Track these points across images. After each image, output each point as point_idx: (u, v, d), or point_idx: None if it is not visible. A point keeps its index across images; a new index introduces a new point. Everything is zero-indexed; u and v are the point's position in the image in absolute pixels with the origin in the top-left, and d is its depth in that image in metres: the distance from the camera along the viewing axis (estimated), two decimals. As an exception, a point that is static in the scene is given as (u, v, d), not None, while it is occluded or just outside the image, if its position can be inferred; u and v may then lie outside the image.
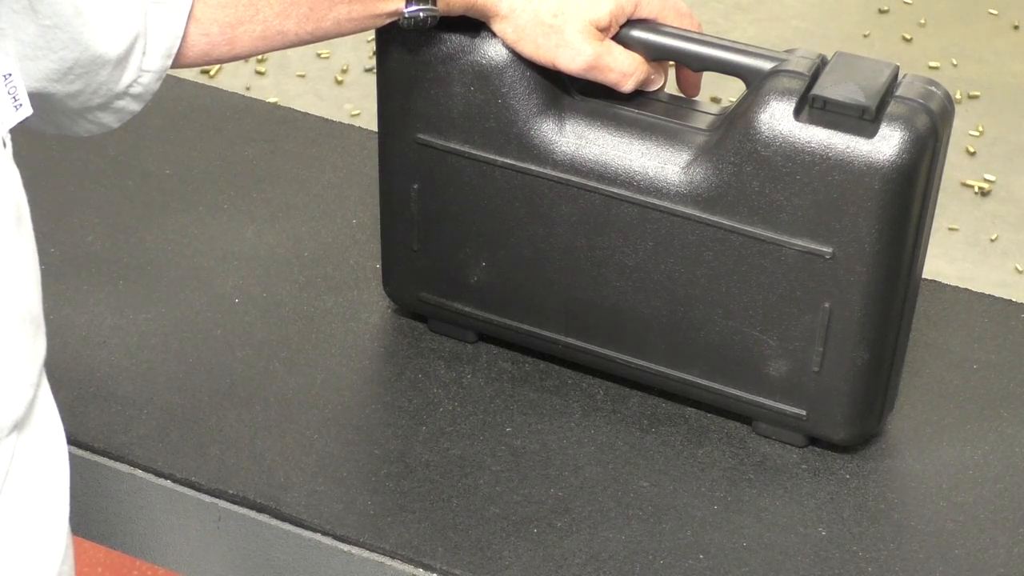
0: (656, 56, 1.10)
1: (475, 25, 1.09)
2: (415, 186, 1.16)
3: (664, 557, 1.04)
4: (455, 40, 1.09)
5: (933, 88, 1.04)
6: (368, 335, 1.22)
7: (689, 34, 1.09)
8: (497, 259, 1.16)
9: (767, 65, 1.05)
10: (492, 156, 1.12)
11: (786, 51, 1.07)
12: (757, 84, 1.05)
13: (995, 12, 3.62)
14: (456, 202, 1.15)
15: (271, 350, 1.20)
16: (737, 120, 1.04)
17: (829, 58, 1.06)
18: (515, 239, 1.14)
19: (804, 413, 1.11)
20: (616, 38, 1.09)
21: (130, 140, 1.41)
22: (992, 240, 2.87)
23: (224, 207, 1.36)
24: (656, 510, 1.07)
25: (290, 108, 1.52)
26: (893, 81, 1.04)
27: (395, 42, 1.11)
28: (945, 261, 2.80)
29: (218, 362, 1.19)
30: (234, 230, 1.33)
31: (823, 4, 3.62)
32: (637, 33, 1.09)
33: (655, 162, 1.08)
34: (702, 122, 1.09)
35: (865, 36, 3.49)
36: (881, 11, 3.59)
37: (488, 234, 1.15)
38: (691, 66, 1.10)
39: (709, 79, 1.14)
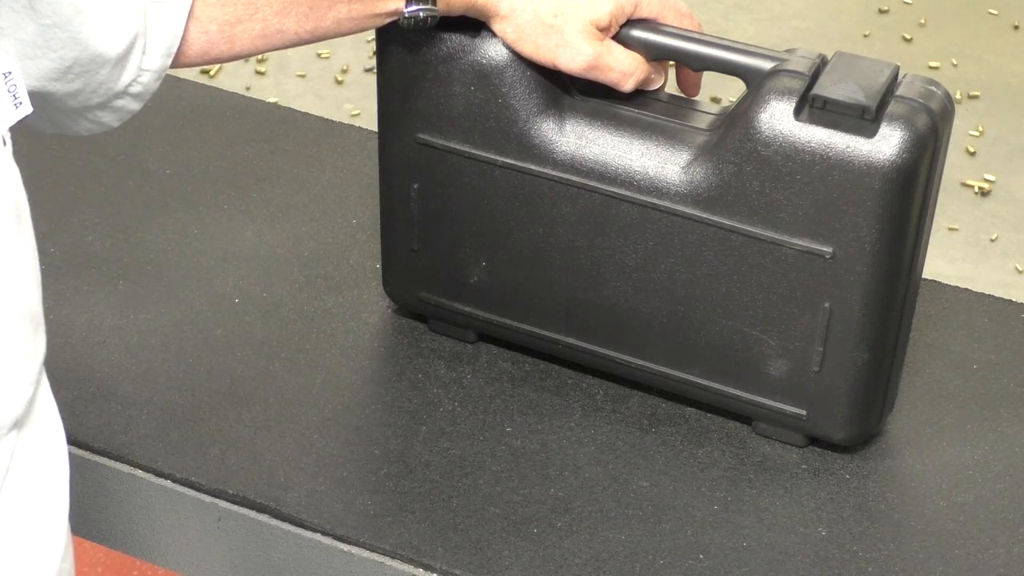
0: (656, 56, 1.10)
1: (475, 25, 1.09)
2: (415, 186, 1.16)
3: (664, 557, 1.04)
4: (455, 40, 1.09)
5: (933, 88, 1.04)
6: (368, 335, 1.22)
7: (689, 34, 1.09)
8: (497, 259, 1.16)
9: (767, 65, 1.05)
10: (492, 156, 1.12)
11: (786, 51, 1.07)
12: (757, 84, 1.04)
13: (995, 12, 3.62)
14: (456, 202, 1.15)
15: (271, 350, 1.20)
16: (737, 120, 1.04)
17: (829, 58, 1.06)
18: (515, 239, 1.14)
19: (804, 413, 1.11)
20: (616, 38, 1.09)
21: (130, 140, 1.41)
22: (992, 240, 2.87)
23: (224, 207, 1.36)
24: (656, 510, 1.07)
25: (290, 108, 1.52)
26: (893, 81, 1.04)
27: (395, 42, 1.11)
28: (945, 261, 2.80)
29: (218, 362, 1.19)
30: (234, 230, 1.33)
31: (823, 4, 3.62)
32: (637, 33, 1.09)
33: (655, 162, 1.08)
34: (702, 122, 1.09)
35: (865, 36, 3.49)
36: (881, 11, 3.59)
37: (488, 234, 1.15)
38: (691, 66, 1.10)
39: (709, 79, 1.14)
